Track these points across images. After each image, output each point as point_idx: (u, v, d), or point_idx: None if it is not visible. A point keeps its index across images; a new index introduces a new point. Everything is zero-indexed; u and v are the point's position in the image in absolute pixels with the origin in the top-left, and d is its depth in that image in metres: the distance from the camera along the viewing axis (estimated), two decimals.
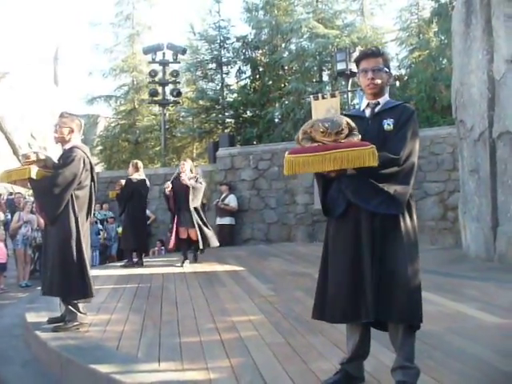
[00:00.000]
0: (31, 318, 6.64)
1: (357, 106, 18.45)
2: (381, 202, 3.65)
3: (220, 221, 15.81)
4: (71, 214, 5.96)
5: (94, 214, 6.48)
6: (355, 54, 15.97)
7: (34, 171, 5.89)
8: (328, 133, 3.55)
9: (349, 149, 3.50)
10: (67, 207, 5.95)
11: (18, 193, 20.32)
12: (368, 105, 3.95)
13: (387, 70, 3.92)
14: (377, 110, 3.90)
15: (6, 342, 6.55)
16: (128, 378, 4.39)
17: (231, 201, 15.98)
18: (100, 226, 16.36)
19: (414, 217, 3.82)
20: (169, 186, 11.30)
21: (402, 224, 3.71)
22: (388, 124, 3.78)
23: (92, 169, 6.22)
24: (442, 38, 19.57)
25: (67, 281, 5.93)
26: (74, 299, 6.03)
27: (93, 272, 6.47)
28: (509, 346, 4.93)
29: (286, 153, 3.66)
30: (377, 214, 3.69)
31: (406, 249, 3.69)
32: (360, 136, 3.63)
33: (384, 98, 3.94)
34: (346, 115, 3.81)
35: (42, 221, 13.08)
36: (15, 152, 39.95)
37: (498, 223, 9.82)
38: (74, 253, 5.94)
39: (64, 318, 6.08)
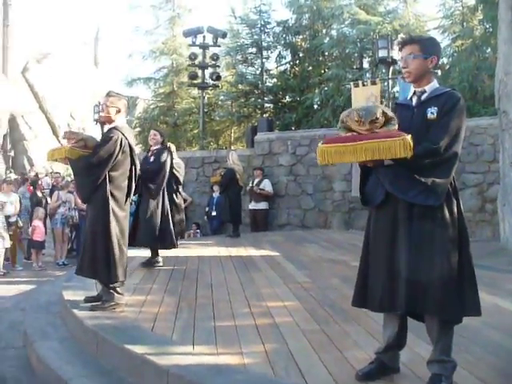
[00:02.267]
0: (68, 296, 6.71)
1: (397, 94, 18.33)
2: (419, 192, 3.60)
3: (255, 206, 15.77)
4: (104, 195, 5.98)
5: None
6: (397, 42, 15.81)
7: (68, 150, 5.97)
8: (362, 122, 3.54)
9: (380, 140, 3.49)
10: (100, 188, 5.99)
11: (57, 173, 20.55)
12: (414, 93, 3.88)
13: (426, 57, 3.79)
14: (423, 98, 3.82)
15: (44, 318, 6.64)
16: (162, 359, 4.41)
17: (266, 185, 15.92)
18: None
19: (455, 210, 3.70)
20: None
21: (439, 217, 3.64)
22: (431, 113, 3.70)
23: (132, 151, 6.21)
24: (487, 26, 19.18)
25: (94, 262, 6.02)
26: (101, 282, 6.10)
27: (129, 253, 6.51)
28: None
29: (320, 143, 3.66)
30: (415, 205, 3.64)
31: (444, 242, 3.62)
32: (397, 126, 3.59)
33: (431, 86, 3.83)
34: (396, 104, 3.78)
35: (78, 200, 13.29)
36: (54, 132, 40.46)
37: None
38: (101, 235, 5.99)
39: (101, 298, 6.14)
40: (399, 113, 3.75)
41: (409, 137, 3.46)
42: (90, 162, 5.97)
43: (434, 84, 3.86)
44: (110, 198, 6.00)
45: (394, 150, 3.44)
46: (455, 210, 3.71)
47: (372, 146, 3.47)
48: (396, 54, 15.65)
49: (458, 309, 3.62)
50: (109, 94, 6.24)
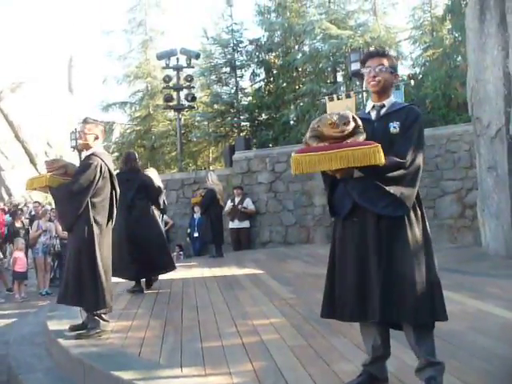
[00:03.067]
0: (53, 325, 6.67)
1: None
2: (387, 204, 3.67)
3: (239, 224, 15.82)
4: (87, 222, 5.95)
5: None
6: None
7: (48, 179, 5.95)
8: (336, 124, 3.58)
9: (355, 147, 3.54)
10: (83, 215, 5.95)
11: (36, 202, 20.43)
12: (373, 107, 3.96)
13: (392, 71, 3.92)
14: (382, 112, 3.91)
15: (28, 350, 6.58)
16: None
17: (249, 204, 16.01)
18: None
19: (421, 219, 3.81)
20: None
21: (408, 226, 3.72)
22: (394, 127, 3.79)
23: (112, 176, 6.20)
24: (456, 35, 19.47)
25: (80, 290, 5.95)
26: (87, 309, 6.04)
27: (112, 278, 6.47)
28: None
29: (293, 152, 3.70)
30: (383, 217, 3.71)
31: (413, 251, 3.69)
32: (365, 134, 3.66)
33: (389, 100, 3.93)
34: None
35: (59, 228, 13.21)
36: (32, 161, 40.22)
37: None
38: (87, 262, 5.92)
39: (86, 326, 6.09)
40: None
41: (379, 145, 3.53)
42: (71, 190, 5.94)
43: (392, 99, 3.97)
44: (93, 224, 5.96)
45: (369, 157, 3.49)
46: (420, 219, 3.81)
47: (347, 153, 3.52)
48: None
49: (429, 314, 3.69)
50: (85, 121, 6.22)
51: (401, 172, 3.67)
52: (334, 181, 3.87)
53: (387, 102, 3.92)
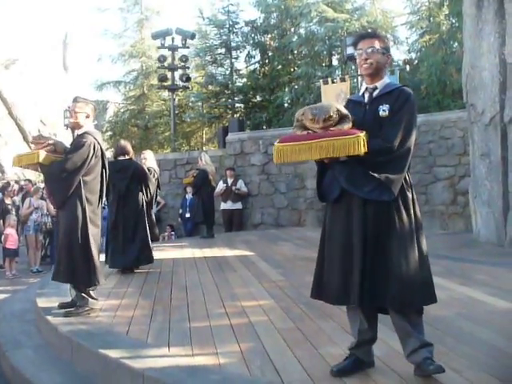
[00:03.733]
0: (42, 303, 6.66)
1: None
2: (373, 188, 3.65)
3: (233, 206, 15.86)
4: (79, 200, 5.95)
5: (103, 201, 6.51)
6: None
7: (42, 156, 5.90)
8: (316, 120, 3.62)
9: (334, 138, 3.56)
10: (75, 193, 5.95)
11: (27, 179, 20.37)
12: (366, 89, 3.93)
13: (384, 52, 3.87)
14: (374, 94, 3.87)
15: (18, 326, 6.59)
16: (138, 362, 4.40)
17: (242, 185, 16.02)
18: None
19: (411, 205, 3.78)
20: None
21: (395, 212, 3.71)
22: (383, 110, 3.75)
23: (103, 155, 6.19)
24: (453, 21, 19.38)
25: (72, 267, 5.96)
26: (80, 286, 6.04)
27: (102, 257, 6.48)
28: None
29: (276, 141, 3.71)
30: (369, 202, 3.70)
31: (400, 236, 3.69)
32: (351, 124, 3.67)
33: (382, 82, 3.89)
34: (348, 100, 3.85)
35: (51, 206, 13.17)
36: (25, 138, 40.05)
37: (509, 208, 9.80)
38: (80, 239, 5.93)
39: (75, 303, 6.10)
40: (352, 109, 3.80)
41: (363, 134, 3.55)
42: (64, 168, 5.92)
43: (385, 80, 3.92)
44: (85, 202, 5.97)
45: (348, 147, 3.53)
46: (410, 204, 3.79)
47: (327, 143, 3.56)
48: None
49: (418, 300, 3.72)
50: (76, 100, 6.19)
51: (387, 157, 3.65)
52: (324, 166, 3.86)
53: (380, 84, 3.87)
